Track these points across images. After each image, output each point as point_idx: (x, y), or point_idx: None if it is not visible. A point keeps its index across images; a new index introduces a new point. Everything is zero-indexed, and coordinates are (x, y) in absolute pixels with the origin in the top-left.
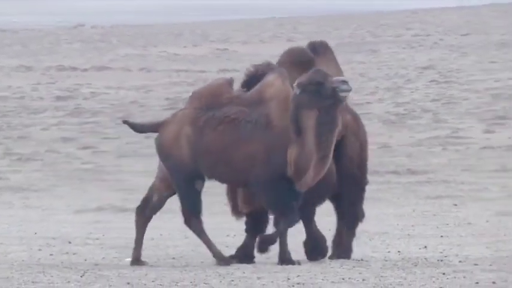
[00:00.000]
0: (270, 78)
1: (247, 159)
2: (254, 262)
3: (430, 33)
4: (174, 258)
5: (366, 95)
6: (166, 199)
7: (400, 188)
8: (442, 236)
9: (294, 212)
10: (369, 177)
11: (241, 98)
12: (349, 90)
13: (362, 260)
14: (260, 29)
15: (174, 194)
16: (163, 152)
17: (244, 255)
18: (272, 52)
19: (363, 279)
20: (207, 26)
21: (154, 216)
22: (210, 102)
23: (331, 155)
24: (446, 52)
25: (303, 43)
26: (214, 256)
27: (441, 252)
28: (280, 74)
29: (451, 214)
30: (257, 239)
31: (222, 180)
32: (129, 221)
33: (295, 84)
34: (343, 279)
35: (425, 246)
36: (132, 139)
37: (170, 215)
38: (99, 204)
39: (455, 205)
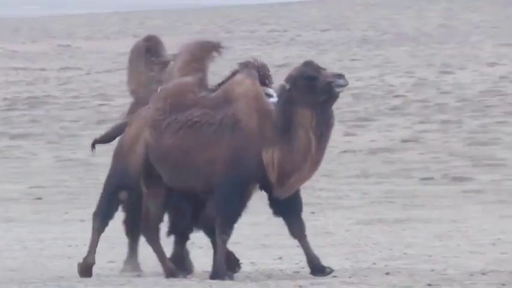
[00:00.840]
0: (238, 77)
1: (210, 164)
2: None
3: (287, 28)
4: (12, 270)
5: None
6: (163, 205)
7: (254, 195)
8: (298, 246)
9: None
10: None
11: (207, 99)
12: (345, 85)
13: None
14: (104, 24)
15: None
16: (117, 152)
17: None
18: (118, 49)
19: None
20: (46, 21)
21: None
22: (174, 104)
23: (323, 156)
24: (304, 49)
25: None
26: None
27: (297, 264)
28: (250, 74)
29: (309, 223)
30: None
31: (182, 188)
32: None
33: (284, 79)
34: None
35: (281, 257)
36: None
37: (8, 224)
38: None
39: (313, 213)
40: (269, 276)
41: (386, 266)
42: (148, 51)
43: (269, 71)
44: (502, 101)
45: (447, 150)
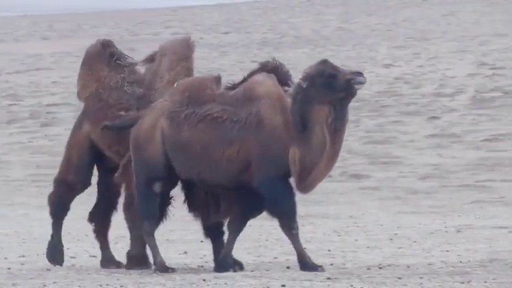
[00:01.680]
0: (259, 77)
1: (231, 159)
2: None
3: (190, 31)
4: None
5: None
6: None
7: None
8: (202, 241)
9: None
10: None
11: (226, 96)
12: (364, 82)
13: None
14: (13, 27)
15: None
16: (136, 144)
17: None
18: (27, 51)
19: (121, 286)
20: None
21: None
22: (192, 97)
23: (339, 152)
24: (206, 51)
25: (59, 41)
26: (154, 263)
27: (202, 258)
28: (269, 75)
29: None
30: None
31: (195, 180)
32: None
33: (300, 77)
34: (100, 285)
35: (186, 252)
36: None
37: None
38: None
39: None
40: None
41: (287, 260)
42: (113, 55)
43: (288, 70)
44: (397, 101)
45: (345, 148)
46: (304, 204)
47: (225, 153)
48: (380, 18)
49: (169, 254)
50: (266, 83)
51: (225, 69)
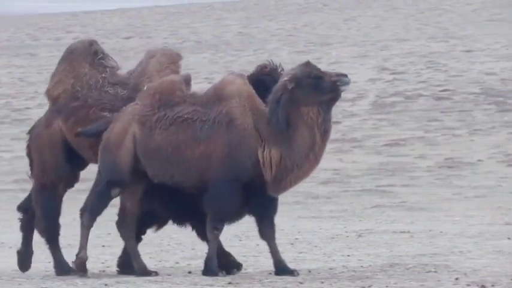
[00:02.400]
0: (230, 77)
1: (202, 160)
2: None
3: (91, 36)
4: None
5: (26, 100)
6: (139, 202)
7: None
8: (103, 246)
9: (223, 223)
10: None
11: (196, 97)
12: (349, 83)
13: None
14: None
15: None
16: (105, 147)
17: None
18: None
19: None
20: None
21: None
22: (163, 100)
23: (320, 160)
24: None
25: None
26: (77, 255)
27: (103, 263)
28: (239, 74)
29: (113, 223)
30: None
31: (169, 183)
32: None
33: (285, 79)
34: None
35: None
36: None
37: None
38: None
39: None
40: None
41: (188, 265)
42: (97, 53)
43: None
44: None
45: None
46: None
47: (195, 154)
48: (281, 23)
49: (71, 259)
50: (237, 82)
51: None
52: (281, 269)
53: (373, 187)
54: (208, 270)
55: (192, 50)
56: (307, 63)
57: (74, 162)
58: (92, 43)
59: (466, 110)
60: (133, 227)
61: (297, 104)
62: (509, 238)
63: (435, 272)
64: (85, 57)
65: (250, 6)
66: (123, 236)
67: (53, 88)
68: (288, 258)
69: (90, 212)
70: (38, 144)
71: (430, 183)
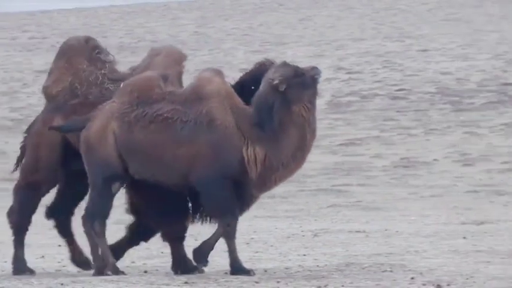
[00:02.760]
0: (206, 75)
1: (184, 160)
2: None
3: (47, 36)
4: None
5: None
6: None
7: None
8: (60, 246)
9: (235, 215)
10: None
11: (175, 95)
12: (321, 76)
13: None
14: None
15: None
16: (87, 146)
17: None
18: None
19: None
20: None
21: None
22: (141, 97)
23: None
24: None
25: None
26: (106, 265)
27: (59, 262)
28: (217, 71)
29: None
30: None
31: (154, 180)
32: None
33: (275, 82)
34: None
35: (43, 256)
36: None
37: None
38: None
39: (73, 214)
40: (32, 273)
41: (144, 264)
42: (95, 48)
43: None
44: None
45: None
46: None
47: (177, 155)
48: (236, 23)
49: (26, 258)
50: (215, 80)
51: None
52: (237, 268)
53: (329, 187)
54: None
55: (148, 49)
56: (286, 63)
57: (68, 163)
58: (87, 39)
59: (422, 109)
60: (104, 226)
61: (289, 105)
62: (464, 237)
63: (391, 271)
64: (82, 52)
65: (205, 5)
66: (96, 233)
67: (51, 86)
68: (244, 257)
69: (99, 217)
70: (35, 141)
71: (386, 183)
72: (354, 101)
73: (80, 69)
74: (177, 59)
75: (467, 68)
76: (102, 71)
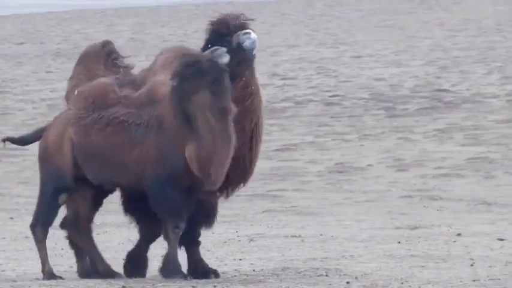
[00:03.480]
0: (162, 77)
1: (137, 163)
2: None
3: None
4: None
5: None
6: (92, 206)
7: None
8: (25, 249)
9: (184, 218)
10: None
11: (130, 98)
12: (224, 53)
13: None
14: None
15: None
16: (44, 155)
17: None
18: None
19: None
20: None
21: None
22: (97, 103)
23: (233, 130)
24: (1, 62)
25: None
26: (42, 271)
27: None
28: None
29: (8, 227)
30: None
31: (110, 184)
32: None
33: (169, 78)
34: None
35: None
36: None
37: None
38: None
39: (12, 218)
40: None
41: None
42: (110, 54)
43: None
44: None
45: None
46: (100, 213)
47: (132, 157)
48: (172, 29)
49: None
50: (168, 83)
51: (19, 79)
52: (175, 271)
53: (264, 192)
54: (171, 272)
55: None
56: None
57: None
58: (104, 44)
59: (356, 115)
60: (90, 232)
61: (187, 96)
62: (399, 242)
63: (326, 275)
64: (98, 59)
65: (142, 12)
66: (80, 242)
67: (71, 91)
68: (181, 262)
69: (42, 225)
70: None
71: (321, 188)
72: (289, 107)
73: (97, 74)
74: (179, 55)
75: (401, 74)
76: (117, 76)
